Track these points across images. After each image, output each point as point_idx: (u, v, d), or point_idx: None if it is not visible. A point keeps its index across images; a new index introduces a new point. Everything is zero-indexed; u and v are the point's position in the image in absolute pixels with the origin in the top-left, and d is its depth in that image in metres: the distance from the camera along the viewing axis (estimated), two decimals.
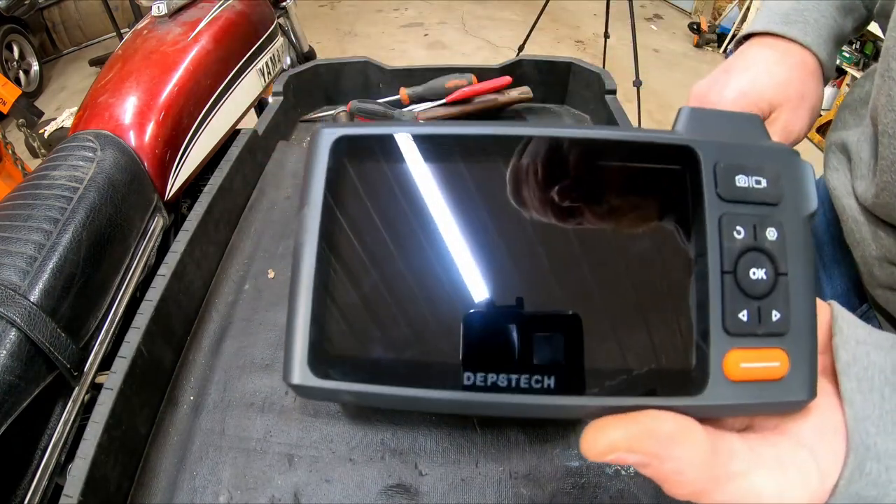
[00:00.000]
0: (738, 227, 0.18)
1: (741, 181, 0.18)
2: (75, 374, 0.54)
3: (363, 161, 0.18)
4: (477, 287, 0.18)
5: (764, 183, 0.18)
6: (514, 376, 0.17)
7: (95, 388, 0.58)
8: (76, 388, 0.56)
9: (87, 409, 0.57)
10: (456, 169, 0.18)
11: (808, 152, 2.39)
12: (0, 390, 0.46)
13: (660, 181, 0.18)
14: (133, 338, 0.42)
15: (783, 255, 0.18)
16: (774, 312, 0.17)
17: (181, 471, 0.41)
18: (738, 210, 0.18)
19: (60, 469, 0.53)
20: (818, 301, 0.20)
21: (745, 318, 0.17)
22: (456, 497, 0.38)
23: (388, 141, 0.19)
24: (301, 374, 0.17)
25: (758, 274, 0.17)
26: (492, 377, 0.17)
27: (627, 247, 0.18)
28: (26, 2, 2.48)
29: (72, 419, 0.55)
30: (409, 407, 0.19)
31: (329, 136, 0.19)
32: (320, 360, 0.17)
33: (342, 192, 0.18)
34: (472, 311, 0.18)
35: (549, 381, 0.17)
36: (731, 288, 0.17)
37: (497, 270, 0.18)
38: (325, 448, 0.41)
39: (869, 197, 0.42)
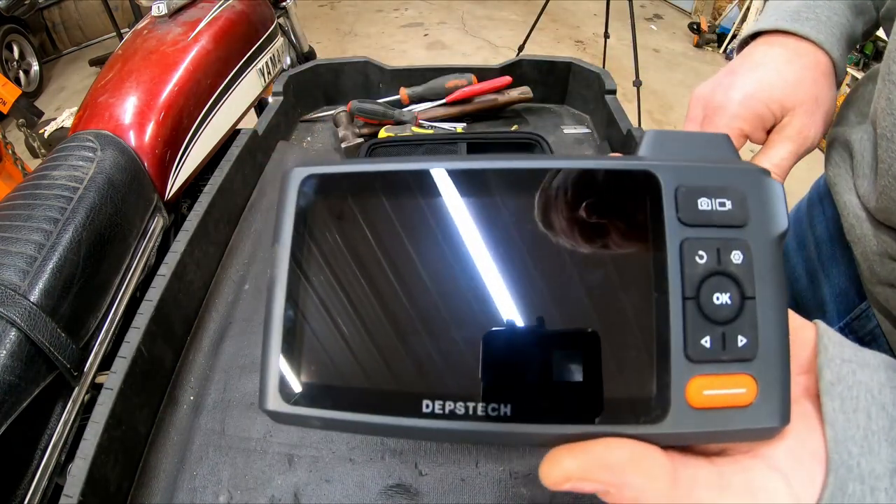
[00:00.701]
0: (701, 252, 0.18)
1: (704, 204, 0.18)
2: (75, 374, 0.54)
3: (330, 198, 0.19)
4: (436, 318, 0.18)
5: (729, 205, 0.18)
6: (471, 404, 0.18)
7: (95, 388, 0.58)
8: (76, 388, 0.56)
9: (87, 409, 0.57)
10: (420, 203, 0.19)
11: None
12: (0, 390, 0.46)
13: (623, 209, 0.18)
14: (133, 338, 0.42)
15: (749, 278, 0.17)
16: (740, 337, 0.17)
17: (181, 471, 0.41)
18: (701, 234, 0.18)
19: (60, 469, 0.53)
20: (802, 320, 0.20)
21: (708, 345, 0.17)
22: (456, 497, 0.38)
23: (354, 178, 0.20)
24: (274, 400, 0.18)
25: (722, 299, 0.17)
26: (449, 405, 0.18)
27: (590, 275, 0.18)
28: (26, 2, 2.48)
29: (72, 419, 0.55)
30: (373, 433, 0.20)
31: (298, 174, 0.20)
32: (291, 388, 0.18)
33: (310, 228, 0.19)
34: (431, 341, 0.18)
35: (506, 409, 0.18)
36: (694, 314, 0.17)
37: (455, 301, 0.18)
38: (325, 448, 0.41)
39: (871, 201, 0.41)
